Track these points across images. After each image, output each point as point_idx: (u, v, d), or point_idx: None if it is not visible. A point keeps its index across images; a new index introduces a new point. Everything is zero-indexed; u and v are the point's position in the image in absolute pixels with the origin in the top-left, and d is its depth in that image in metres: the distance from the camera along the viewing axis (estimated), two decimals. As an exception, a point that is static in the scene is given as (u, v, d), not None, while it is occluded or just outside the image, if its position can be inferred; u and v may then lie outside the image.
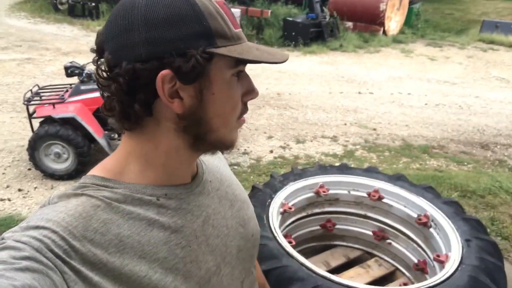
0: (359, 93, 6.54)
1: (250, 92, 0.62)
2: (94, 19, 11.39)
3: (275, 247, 1.71)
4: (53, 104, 3.37)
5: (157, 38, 0.53)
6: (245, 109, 0.63)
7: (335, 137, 4.77)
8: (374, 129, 5.10)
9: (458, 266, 1.72)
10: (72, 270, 0.48)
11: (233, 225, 0.72)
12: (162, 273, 0.56)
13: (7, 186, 3.55)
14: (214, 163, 0.77)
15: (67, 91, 3.60)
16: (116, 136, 3.65)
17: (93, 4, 11.68)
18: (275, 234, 1.80)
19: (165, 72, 0.53)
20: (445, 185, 3.58)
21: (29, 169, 3.75)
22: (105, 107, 0.58)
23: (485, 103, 6.38)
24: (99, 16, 11.48)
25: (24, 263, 0.45)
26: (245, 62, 0.58)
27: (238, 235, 0.72)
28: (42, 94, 3.57)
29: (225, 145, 0.63)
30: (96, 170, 0.61)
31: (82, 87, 3.48)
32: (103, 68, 0.56)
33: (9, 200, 3.36)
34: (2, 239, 0.48)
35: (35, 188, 3.52)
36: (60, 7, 12.32)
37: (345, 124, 5.21)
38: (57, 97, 3.48)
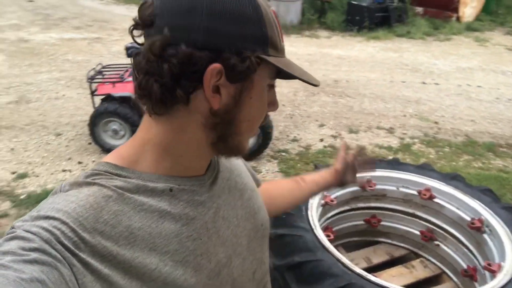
0: (423, 83, 6.15)
1: (273, 104, 0.63)
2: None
3: (311, 240, 1.68)
4: (113, 83, 3.55)
5: (218, 30, 0.52)
6: (266, 116, 0.64)
7: (392, 129, 4.54)
8: (436, 123, 4.79)
9: (511, 278, 1.59)
10: (81, 263, 0.48)
11: (243, 215, 0.71)
12: (173, 266, 0.56)
13: (69, 158, 3.82)
14: None
15: (127, 70, 3.77)
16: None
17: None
18: (313, 226, 1.77)
19: (217, 65, 0.52)
20: (509, 188, 3.29)
21: (89, 144, 4.00)
22: (140, 86, 0.55)
23: None
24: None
25: (33, 255, 0.44)
26: (284, 75, 0.59)
27: (249, 225, 0.71)
28: (104, 72, 3.77)
29: (240, 151, 0.63)
30: (111, 157, 0.61)
31: (141, 67, 3.62)
32: (158, 44, 0.51)
33: (70, 171, 3.63)
34: (12, 227, 0.49)
35: (93, 161, 3.76)
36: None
37: (405, 115, 4.93)
38: (117, 76, 3.66)
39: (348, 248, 2.40)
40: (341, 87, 5.81)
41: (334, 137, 4.32)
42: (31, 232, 0.46)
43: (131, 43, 3.62)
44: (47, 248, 0.46)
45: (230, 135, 0.59)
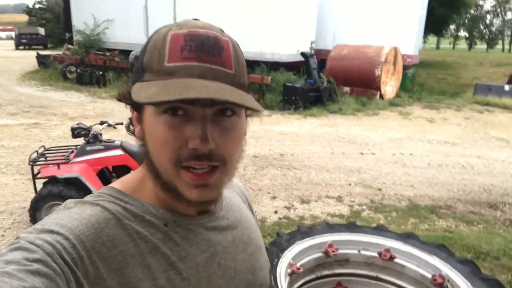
0: (361, 153, 6.57)
1: (191, 138, 0.53)
2: (101, 86, 11.87)
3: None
4: (58, 164, 3.38)
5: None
6: (190, 156, 0.54)
7: (340, 197, 4.70)
8: (379, 189, 5.05)
9: (482, 331, 1.60)
10: (76, 281, 0.49)
11: (242, 269, 0.68)
12: None
13: (4, 250, 3.42)
14: (236, 202, 0.76)
15: (72, 152, 3.63)
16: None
17: (100, 72, 12.24)
18: (285, 297, 1.70)
19: None
20: (457, 246, 3.46)
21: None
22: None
23: (488, 162, 6.38)
24: (106, 83, 11.98)
25: (35, 266, 0.46)
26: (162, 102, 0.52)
27: (245, 282, 0.69)
28: (47, 155, 3.60)
29: (179, 196, 0.57)
30: (116, 183, 0.64)
31: (88, 148, 3.52)
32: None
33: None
34: (17, 238, 0.50)
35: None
36: (68, 75, 12.92)
37: (349, 184, 5.16)
38: (62, 157, 3.50)
39: (317, 320, 2.30)
40: (287, 160, 6.01)
41: (288, 208, 4.36)
42: (35, 244, 0.48)
43: (77, 124, 3.57)
44: (49, 261, 0.47)
45: (156, 171, 0.58)
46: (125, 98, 0.59)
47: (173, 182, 0.57)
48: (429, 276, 2.09)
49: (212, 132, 0.54)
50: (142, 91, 0.53)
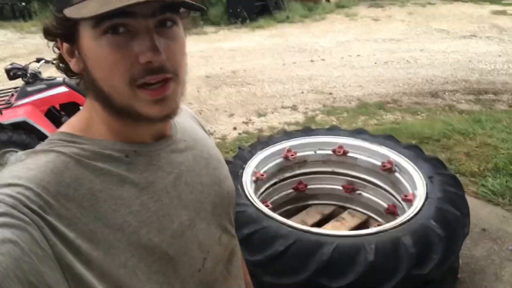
0: (312, 61, 6.64)
1: (142, 52, 0.52)
2: (27, 19, 10.73)
3: (254, 212, 1.75)
4: (0, 110, 3.19)
5: None
6: (143, 71, 0.53)
7: (295, 106, 4.84)
8: (330, 93, 5.23)
9: (424, 201, 1.85)
10: (49, 226, 0.48)
11: (208, 182, 0.72)
12: (136, 226, 0.56)
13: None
14: (189, 123, 0.77)
15: (12, 95, 3.41)
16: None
17: (23, 3, 10.97)
18: (252, 201, 1.84)
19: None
20: (404, 135, 3.76)
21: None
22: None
23: (430, 55, 6.68)
24: (31, 16, 10.82)
25: (1, 219, 0.44)
26: (102, 16, 0.50)
27: (213, 193, 0.72)
28: None
29: (139, 116, 0.56)
30: (63, 128, 0.61)
31: (29, 89, 3.31)
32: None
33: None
34: None
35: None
36: (-14, 11, 11.50)
37: (302, 92, 5.29)
38: (2, 102, 3.29)
39: (283, 217, 2.53)
40: (240, 77, 5.98)
41: (246, 123, 4.46)
42: None
43: (11, 64, 3.30)
44: (14, 212, 0.46)
45: (105, 98, 0.56)
46: (53, 28, 0.56)
47: (130, 105, 0.55)
48: (379, 163, 2.31)
49: (159, 43, 0.53)
50: (80, 10, 0.51)
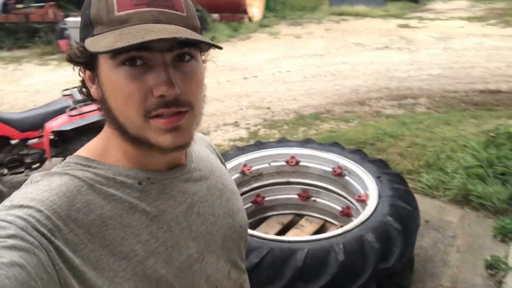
0: (245, 78, 6.80)
1: (156, 85, 0.53)
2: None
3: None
4: None
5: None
6: (157, 104, 0.53)
7: (237, 123, 4.91)
8: (268, 108, 5.39)
9: (378, 200, 2.00)
10: (56, 250, 0.48)
11: (221, 214, 0.71)
12: (143, 256, 0.56)
13: None
14: (205, 153, 0.77)
15: None
16: (6, 171, 3.23)
17: None
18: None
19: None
20: (341, 142, 3.98)
21: None
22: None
23: (352, 67, 7.21)
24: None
25: (10, 241, 0.44)
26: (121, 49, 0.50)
27: (226, 225, 0.71)
28: None
29: (152, 146, 0.56)
30: (80, 151, 0.62)
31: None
32: None
33: None
34: None
35: None
36: None
37: (241, 109, 5.38)
38: None
39: (244, 233, 2.55)
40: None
41: (189, 144, 4.42)
42: (6, 221, 0.46)
43: None
44: (24, 235, 0.46)
45: (120, 127, 0.56)
46: (75, 57, 0.57)
47: (143, 134, 0.55)
48: (330, 169, 2.45)
49: (175, 77, 0.53)
50: (98, 43, 0.51)
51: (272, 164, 2.56)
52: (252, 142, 4.29)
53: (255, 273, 1.62)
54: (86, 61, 0.56)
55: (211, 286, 0.66)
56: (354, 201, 2.31)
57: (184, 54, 0.55)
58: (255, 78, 6.77)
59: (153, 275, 0.56)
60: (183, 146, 0.58)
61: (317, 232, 2.51)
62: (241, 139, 4.42)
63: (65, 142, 3.27)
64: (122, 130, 0.56)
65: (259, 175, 2.56)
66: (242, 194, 2.49)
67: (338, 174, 2.41)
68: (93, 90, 0.59)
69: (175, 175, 0.64)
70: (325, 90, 6.01)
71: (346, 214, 2.43)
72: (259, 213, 2.63)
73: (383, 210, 1.91)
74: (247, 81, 6.63)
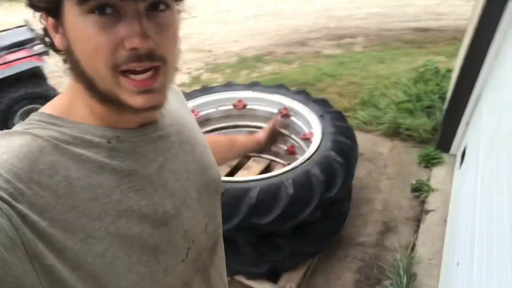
0: (183, 19, 6.51)
1: (128, 36, 0.48)
2: None
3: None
4: None
5: None
6: (128, 58, 0.49)
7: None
8: (210, 51, 5.29)
9: (321, 137, 2.14)
10: (19, 215, 0.44)
11: (194, 169, 0.69)
12: (115, 215, 0.54)
13: None
14: (175, 105, 0.73)
15: None
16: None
17: None
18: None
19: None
20: (284, 83, 4.09)
21: None
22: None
23: (293, 5, 7.15)
24: None
25: None
26: None
27: (200, 180, 0.69)
28: None
29: (122, 105, 0.53)
30: (45, 108, 0.57)
31: None
32: None
33: None
34: None
35: None
36: None
37: (182, 52, 5.23)
38: None
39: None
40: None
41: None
42: None
43: None
44: None
45: (89, 80, 0.52)
46: (36, 1, 0.51)
47: (113, 91, 0.51)
48: (276, 111, 2.55)
49: (148, 28, 0.49)
50: None
51: (220, 108, 2.60)
52: (195, 87, 4.25)
53: (211, 212, 1.72)
54: (50, 6, 0.50)
55: (187, 241, 0.65)
56: (299, 140, 2.44)
57: (159, 2, 0.50)
58: (194, 19, 6.52)
59: (127, 234, 0.54)
60: (156, 107, 0.54)
61: (264, 171, 2.66)
62: (182, 84, 4.35)
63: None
64: (89, 85, 0.52)
65: (206, 120, 2.59)
66: (192, 139, 2.53)
67: (285, 115, 2.51)
68: (57, 40, 0.53)
69: (146, 132, 0.61)
70: (267, 31, 5.97)
71: (292, 153, 2.58)
72: (209, 156, 2.70)
73: (326, 146, 2.06)
74: (185, 22, 6.35)
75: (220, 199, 0.79)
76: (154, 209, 0.59)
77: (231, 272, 1.97)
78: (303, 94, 2.58)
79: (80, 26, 0.48)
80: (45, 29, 0.54)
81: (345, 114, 3.57)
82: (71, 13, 0.49)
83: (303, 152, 2.35)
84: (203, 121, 2.59)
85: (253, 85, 2.68)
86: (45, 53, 3.25)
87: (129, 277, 0.55)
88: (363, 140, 3.23)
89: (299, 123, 2.45)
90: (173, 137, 0.66)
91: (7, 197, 0.44)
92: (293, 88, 2.91)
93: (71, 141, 0.53)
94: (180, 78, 4.54)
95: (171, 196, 0.63)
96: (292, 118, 2.49)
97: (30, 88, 3.05)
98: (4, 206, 0.43)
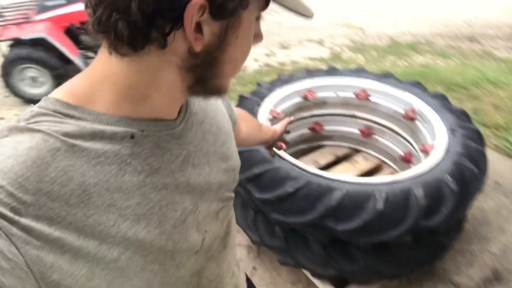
0: (344, -10, 6.20)
1: (258, 36, 0.55)
2: None
3: (266, 151, 1.75)
4: (19, 24, 3.14)
5: None
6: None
7: (322, 40, 4.62)
8: (361, 28, 4.94)
9: (444, 154, 1.80)
10: (23, 230, 0.41)
11: (215, 161, 0.66)
12: (134, 220, 0.50)
13: (-13, 115, 3.48)
14: None
15: (32, 8, 3.33)
16: (95, 55, 3.48)
17: None
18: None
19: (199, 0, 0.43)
20: (431, 80, 3.59)
21: (7, 96, 3.64)
22: (99, 21, 0.44)
23: (475, -8, 6.13)
24: None
25: None
26: (279, 4, 0.49)
27: (221, 172, 0.67)
28: (5, 13, 3.30)
29: (220, 93, 0.56)
30: (61, 93, 0.50)
31: (49, 3, 3.21)
32: None
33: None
34: None
35: (16, 115, 3.45)
36: None
37: (331, 25, 5.01)
38: (22, 16, 3.23)
39: (296, 155, 2.54)
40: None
41: (268, 55, 4.31)
42: None
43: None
44: None
45: (210, 78, 0.51)
46: (234, 2, 0.46)
47: (224, 82, 0.55)
48: (402, 111, 2.24)
49: None
50: None
51: (339, 93, 2.40)
52: (333, 64, 4.05)
53: (287, 202, 1.62)
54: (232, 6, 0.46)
55: (201, 232, 0.62)
56: (418, 149, 2.12)
57: None
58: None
59: (145, 237, 0.51)
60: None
61: (371, 171, 2.41)
62: (321, 59, 4.19)
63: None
64: (202, 83, 0.52)
65: (322, 103, 2.44)
66: (300, 119, 2.43)
67: (410, 118, 2.19)
68: (198, 39, 0.46)
69: (174, 125, 0.57)
70: (432, 17, 5.27)
71: (406, 160, 2.27)
72: (314, 140, 2.57)
73: (445, 167, 1.73)
74: (345, -5, 6.04)
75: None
76: (174, 209, 0.56)
77: (296, 262, 1.87)
78: (440, 99, 2.20)
79: (251, 31, 0.52)
80: (164, 28, 0.45)
81: (495, 132, 2.99)
82: (249, 18, 0.50)
83: (392, 136, 2.04)
84: (319, 104, 2.44)
85: (385, 76, 2.39)
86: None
87: (141, 275, 0.52)
88: (506, 168, 2.66)
89: (424, 131, 2.12)
90: (196, 127, 0.62)
91: (8, 213, 0.40)
92: (432, 90, 2.51)
93: (91, 138, 0.48)
94: (321, 52, 4.38)
95: (191, 191, 0.59)
96: (417, 122, 2.16)
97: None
98: (4, 224, 0.40)
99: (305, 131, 2.50)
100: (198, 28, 0.45)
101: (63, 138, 0.46)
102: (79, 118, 0.48)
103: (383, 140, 2.43)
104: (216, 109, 0.71)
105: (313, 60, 4.16)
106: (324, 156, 2.50)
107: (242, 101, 2.16)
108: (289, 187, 1.61)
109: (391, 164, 2.43)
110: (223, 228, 0.70)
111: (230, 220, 0.75)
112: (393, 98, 2.28)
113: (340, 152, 2.55)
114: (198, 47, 0.46)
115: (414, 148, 2.21)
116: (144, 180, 0.52)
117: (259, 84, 2.33)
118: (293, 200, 1.62)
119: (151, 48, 0.46)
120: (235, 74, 0.55)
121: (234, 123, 0.85)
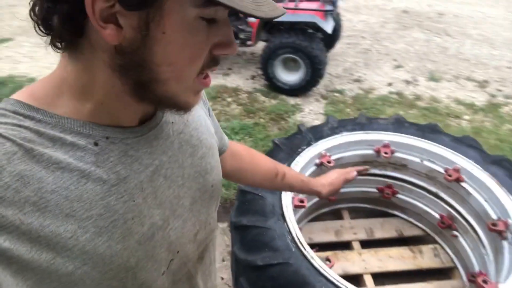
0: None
1: (225, 45, 0.48)
2: None
3: (270, 203, 1.51)
4: None
5: None
6: (212, 64, 0.49)
7: (485, 82, 3.73)
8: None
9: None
10: None
11: (191, 174, 0.62)
12: (95, 232, 0.47)
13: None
14: None
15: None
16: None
17: None
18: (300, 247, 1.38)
19: None
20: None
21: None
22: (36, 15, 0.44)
23: None
24: None
25: None
26: (217, 3, 0.41)
27: (195, 186, 0.62)
28: None
29: (177, 106, 0.50)
30: (21, 95, 0.48)
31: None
32: None
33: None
34: None
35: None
36: None
37: (510, 67, 3.99)
38: None
39: (354, 213, 2.17)
40: (444, 23, 4.85)
41: (408, 82, 3.72)
42: None
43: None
44: None
45: (149, 82, 0.46)
46: None
47: (176, 94, 0.49)
48: (494, 217, 1.64)
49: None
50: None
51: (425, 163, 1.89)
52: (481, 116, 3.24)
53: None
54: None
55: (172, 252, 0.58)
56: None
57: None
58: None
59: (105, 252, 0.48)
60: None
61: (434, 271, 1.87)
62: (469, 105, 3.38)
63: (271, 32, 3.29)
64: (143, 87, 0.47)
65: (401, 166, 1.97)
66: (368, 175, 2.01)
67: (498, 231, 1.59)
68: (109, 32, 0.42)
69: (142, 131, 0.54)
70: None
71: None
72: (381, 204, 2.13)
73: None
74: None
75: (217, 204, 0.72)
76: (141, 223, 0.52)
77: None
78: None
79: (186, 30, 0.44)
80: (69, 14, 0.43)
81: None
82: (178, 13, 0.43)
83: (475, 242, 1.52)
84: (396, 164, 1.99)
85: (494, 162, 1.77)
86: (331, 11, 3.17)
87: None
88: None
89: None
90: (173, 137, 0.59)
91: None
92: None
93: (50, 144, 0.46)
94: (476, 96, 3.55)
95: (161, 205, 0.56)
96: (505, 243, 1.56)
97: (299, 40, 3.11)
98: None
99: (371, 190, 2.09)
100: (110, 19, 0.41)
101: (20, 142, 0.43)
102: (39, 121, 0.46)
103: (463, 242, 1.84)
104: (199, 122, 0.67)
105: (458, 104, 3.40)
106: (385, 228, 2.08)
107: (291, 134, 1.91)
108: (262, 259, 1.37)
109: (463, 275, 1.84)
110: (197, 253, 0.66)
111: (208, 245, 0.70)
112: (490, 196, 1.68)
113: (408, 231, 2.06)
114: (112, 40, 0.42)
115: (489, 271, 1.61)
116: (108, 190, 0.49)
117: (327, 120, 2.02)
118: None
119: (81, 43, 0.45)
120: (182, 80, 0.48)
121: (223, 149, 0.81)
